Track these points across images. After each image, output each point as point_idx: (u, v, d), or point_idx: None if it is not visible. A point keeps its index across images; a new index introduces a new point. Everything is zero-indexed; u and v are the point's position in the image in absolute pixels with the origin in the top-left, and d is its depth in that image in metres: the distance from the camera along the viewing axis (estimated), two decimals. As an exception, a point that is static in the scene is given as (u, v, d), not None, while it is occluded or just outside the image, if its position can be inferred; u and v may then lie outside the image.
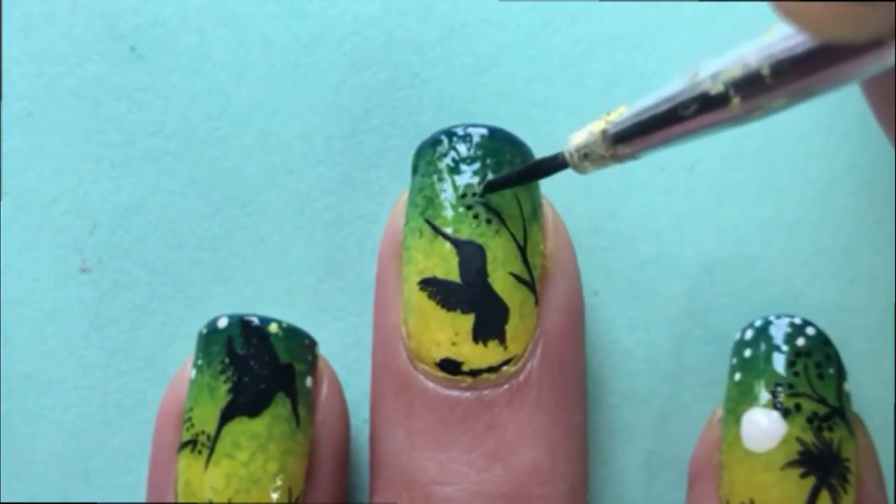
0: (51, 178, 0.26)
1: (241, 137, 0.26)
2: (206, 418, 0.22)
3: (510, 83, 0.25)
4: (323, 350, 0.23)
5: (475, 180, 0.22)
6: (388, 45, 0.26)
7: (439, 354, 0.22)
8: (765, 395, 0.22)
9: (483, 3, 0.26)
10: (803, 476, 0.21)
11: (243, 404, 0.22)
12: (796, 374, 0.22)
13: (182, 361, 0.23)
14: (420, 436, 0.22)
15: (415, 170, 0.23)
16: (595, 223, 0.25)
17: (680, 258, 0.25)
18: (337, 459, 0.23)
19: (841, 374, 0.22)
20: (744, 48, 0.17)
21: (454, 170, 0.22)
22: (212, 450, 0.21)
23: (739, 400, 0.22)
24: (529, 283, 0.22)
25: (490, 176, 0.22)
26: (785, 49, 0.16)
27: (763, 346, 0.22)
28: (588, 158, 0.20)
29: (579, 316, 0.23)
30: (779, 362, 0.22)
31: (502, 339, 0.22)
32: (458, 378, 0.22)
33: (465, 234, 0.22)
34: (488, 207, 0.22)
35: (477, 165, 0.22)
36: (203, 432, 0.21)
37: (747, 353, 0.22)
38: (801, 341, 0.22)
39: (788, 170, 0.25)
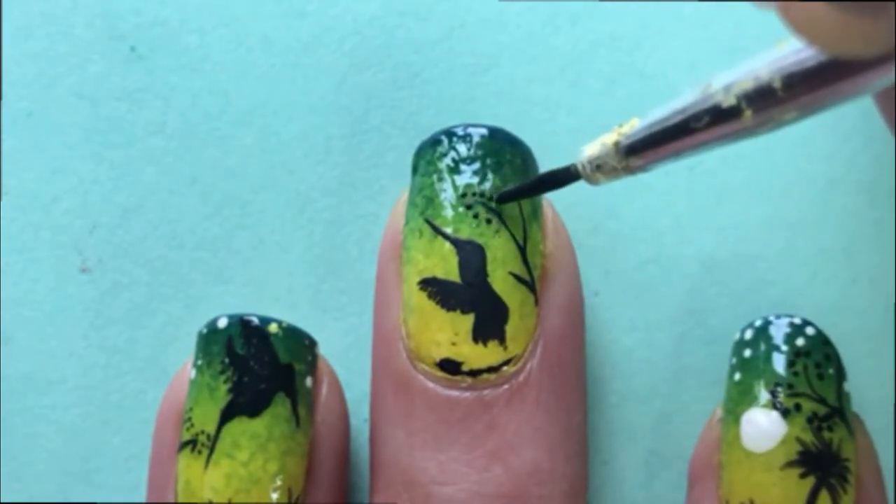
0: (51, 178, 0.26)
1: (241, 137, 0.26)
2: (206, 418, 0.22)
3: (510, 83, 0.25)
4: (323, 350, 0.23)
5: (475, 180, 0.22)
6: (388, 45, 0.26)
7: (439, 354, 0.22)
8: (764, 395, 0.22)
9: (483, 3, 0.26)
10: (803, 476, 0.21)
11: (243, 404, 0.22)
12: (796, 374, 0.22)
13: (182, 361, 0.23)
14: (420, 436, 0.22)
15: (415, 170, 0.23)
16: (595, 223, 0.25)
17: (680, 258, 0.25)
18: (337, 459, 0.23)
19: (841, 374, 0.22)
20: (755, 61, 0.17)
21: (454, 170, 0.22)
22: (212, 450, 0.21)
23: (739, 400, 0.22)
24: (529, 283, 0.22)
25: (490, 176, 0.22)
26: (796, 62, 0.16)
27: (763, 346, 0.22)
28: (600, 170, 0.20)
29: (579, 316, 0.23)
30: (778, 362, 0.22)
31: (502, 339, 0.22)
32: (458, 378, 0.22)
33: (465, 233, 0.22)
34: (488, 207, 0.22)
35: (477, 165, 0.22)
36: (203, 432, 0.21)
37: (747, 353, 0.22)
38: (800, 341, 0.22)
39: (788, 170, 0.25)
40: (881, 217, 0.25)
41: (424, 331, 0.22)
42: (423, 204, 0.22)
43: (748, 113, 0.17)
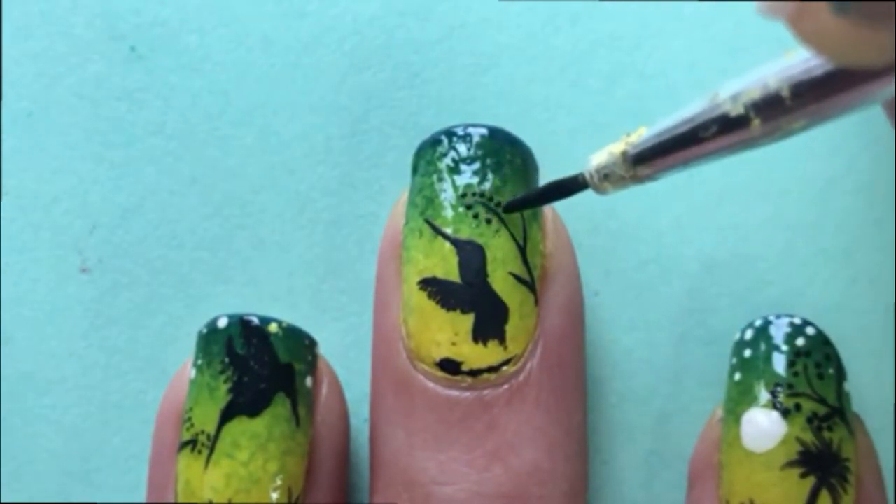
0: (51, 178, 0.26)
1: (241, 137, 0.26)
2: (206, 418, 0.22)
3: (510, 83, 0.25)
4: (323, 350, 0.23)
5: (475, 180, 0.22)
6: (388, 45, 0.26)
7: (439, 354, 0.22)
8: (764, 395, 0.22)
9: (483, 3, 0.26)
10: (803, 476, 0.21)
11: (243, 404, 0.22)
12: (796, 374, 0.22)
13: (182, 361, 0.23)
14: (420, 436, 0.22)
15: (415, 170, 0.23)
16: (595, 223, 0.25)
17: (680, 258, 0.25)
18: (337, 459, 0.23)
19: (841, 374, 0.22)
20: (763, 70, 0.17)
21: (454, 170, 0.22)
22: (212, 450, 0.21)
23: (739, 400, 0.22)
24: (529, 283, 0.22)
25: (490, 176, 0.22)
26: (804, 71, 0.16)
27: (763, 346, 0.22)
28: (608, 179, 0.20)
29: (579, 316, 0.23)
30: (778, 362, 0.22)
31: (502, 339, 0.22)
32: (458, 378, 0.22)
33: (465, 233, 0.22)
34: (488, 207, 0.22)
35: (477, 165, 0.22)
36: (203, 432, 0.21)
37: (747, 353, 0.22)
38: (800, 341, 0.22)
39: (788, 170, 0.25)
40: (881, 217, 0.25)
41: (424, 331, 0.22)
42: (423, 204, 0.22)
43: (756, 122, 0.17)
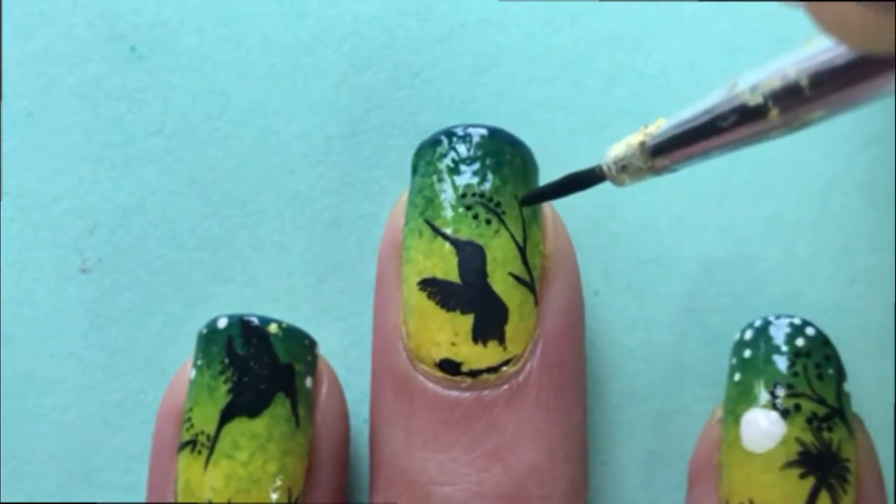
0: (51, 178, 0.26)
1: (241, 137, 0.26)
2: (206, 418, 0.22)
3: (510, 83, 0.25)
4: (323, 350, 0.23)
5: (475, 180, 0.22)
6: (388, 45, 0.26)
7: (439, 355, 0.22)
8: (764, 396, 0.22)
9: (483, 3, 0.26)
10: (803, 476, 0.21)
11: (243, 404, 0.22)
12: (796, 374, 0.22)
13: (182, 361, 0.23)
14: (420, 436, 0.22)
15: (414, 170, 0.23)
16: (595, 223, 0.25)
17: (680, 258, 0.25)
18: (337, 459, 0.23)
19: (840, 375, 0.22)
20: (782, 60, 0.17)
21: (454, 170, 0.22)
22: (211, 450, 0.21)
23: (739, 400, 0.22)
24: (529, 283, 0.22)
25: (490, 176, 0.22)
26: (824, 61, 0.16)
27: (763, 347, 0.22)
28: (626, 171, 0.20)
29: (579, 316, 0.23)
30: (778, 362, 0.22)
31: (502, 340, 0.22)
32: (458, 378, 0.22)
33: (465, 234, 0.22)
34: (488, 208, 0.22)
35: (477, 166, 0.22)
36: (203, 432, 0.21)
37: (747, 353, 0.22)
38: (800, 342, 0.22)
39: (788, 170, 0.25)
40: (881, 217, 0.25)
41: (424, 331, 0.22)
42: (423, 204, 0.22)
43: (775, 112, 0.17)
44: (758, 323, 0.23)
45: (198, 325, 0.23)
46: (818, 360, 0.22)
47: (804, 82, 0.17)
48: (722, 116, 0.18)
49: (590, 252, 0.25)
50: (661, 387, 0.25)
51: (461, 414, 0.22)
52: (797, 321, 0.22)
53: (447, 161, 0.22)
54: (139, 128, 0.26)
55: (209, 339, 0.22)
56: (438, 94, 0.26)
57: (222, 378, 0.22)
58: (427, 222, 0.22)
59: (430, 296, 0.22)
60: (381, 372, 0.23)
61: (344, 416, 0.23)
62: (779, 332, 0.22)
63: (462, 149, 0.22)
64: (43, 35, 0.26)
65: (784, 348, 0.22)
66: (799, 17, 0.16)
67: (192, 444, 0.22)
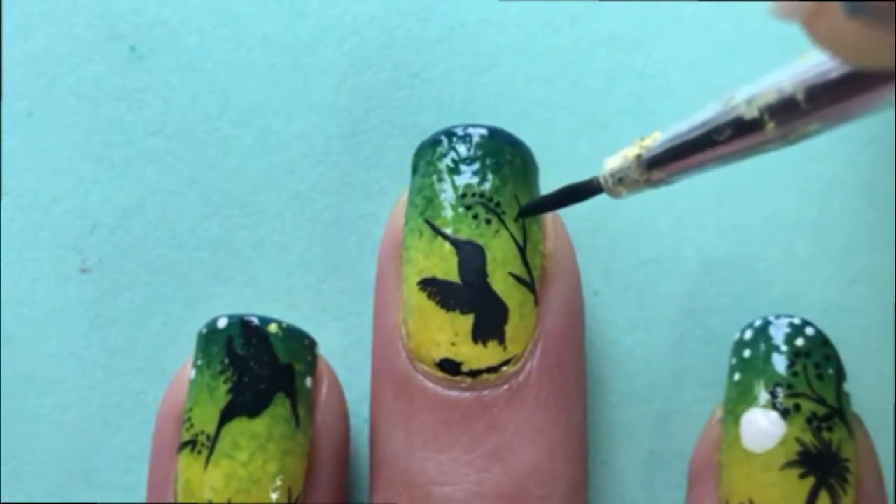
0: (51, 178, 0.26)
1: (241, 137, 0.26)
2: (206, 418, 0.22)
3: (510, 83, 0.25)
4: (323, 350, 0.23)
5: (475, 180, 0.22)
6: (388, 45, 0.26)
7: (439, 355, 0.22)
8: (764, 396, 0.22)
9: (483, 3, 0.26)
10: (802, 476, 0.21)
11: (243, 404, 0.22)
12: (795, 374, 0.22)
13: (182, 361, 0.23)
14: (419, 436, 0.22)
15: (414, 170, 0.23)
16: (595, 223, 0.25)
17: (680, 258, 0.25)
18: (336, 459, 0.23)
19: (840, 375, 0.22)
20: (778, 74, 0.17)
21: (454, 170, 0.22)
22: (211, 450, 0.21)
23: (739, 400, 0.22)
24: (529, 283, 0.22)
25: (490, 176, 0.22)
26: (819, 74, 0.16)
27: (762, 347, 0.22)
28: (622, 183, 0.20)
29: (579, 316, 0.23)
30: (778, 362, 0.22)
31: (502, 340, 0.22)
32: (458, 378, 0.22)
33: (465, 234, 0.22)
34: (488, 208, 0.22)
35: (477, 166, 0.22)
36: (203, 432, 0.21)
37: (747, 353, 0.22)
38: (800, 342, 0.22)
39: (788, 170, 0.25)
40: (881, 217, 0.25)
41: (424, 331, 0.22)
42: (423, 204, 0.22)
43: (771, 125, 0.17)
44: (758, 323, 0.23)
45: (198, 325, 0.23)
46: (818, 359, 0.22)
47: (800, 96, 0.17)
48: (718, 130, 0.18)
49: (590, 252, 0.25)
50: (661, 387, 0.25)
51: (461, 414, 0.22)
52: (797, 321, 0.22)
53: (447, 161, 0.22)
54: (139, 128, 0.26)
55: (209, 339, 0.22)
56: (438, 94, 0.26)
57: (222, 378, 0.22)
58: (427, 222, 0.22)
59: (430, 296, 0.22)
60: (381, 372, 0.23)
61: (344, 416, 0.23)
62: (778, 332, 0.22)
63: (462, 149, 0.22)
64: (43, 35, 0.26)
65: (784, 348, 0.22)
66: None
67: (192, 444, 0.22)
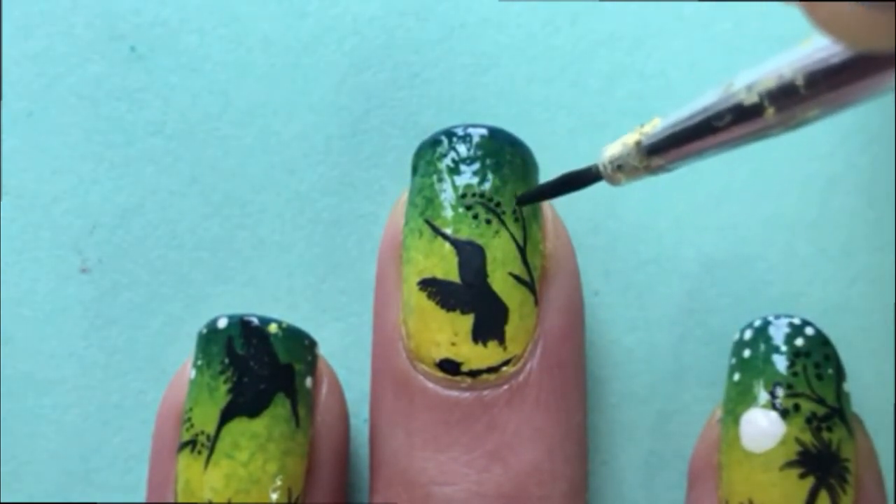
0: (51, 178, 0.26)
1: (241, 137, 0.26)
2: (206, 418, 0.22)
3: (510, 83, 0.25)
4: (323, 350, 0.23)
5: (475, 180, 0.22)
6: (388, 45, 0.26)
7: (439, 355, 0.22)
8: (764, 396, 0.22)
9: (483, 3, 0.26)
10: (802, 476, 0.21)
11: (243, 404, 0.22)
12: (795, 374, 0.22)
13: (182, 361, 0.23)
14: (419, 436, 0.22)
15: (414, 170, 0.23)
16: (595, 223, 0.25)
17: (680, 258, 0.25)
18: (336, 459, 0.23)
19: (840, 375, 0.22)
20: (778, 59, 0.17)
21: (454, 170, 0.22)
22: (211, 450, 0.21)
23: (738, 400, 0.22)
24: (529, 283, 0.22)
25: (490, 176, 0.22)
26: (819, 60, 0.16)
27: (762, 347, 0.22)
28: (622, 170, 0.20)
29: (579, 316, 0.23)
30: (778, 362, 0.22)
31: (502, 340, 0.22)
32: (458, 378, 0.22)
33: (465, 234, 0.22)
34: (488, 208, 0.22)
35: (477, 166, 0.22)
36: (203, 432, 0.21)
37: (746, 353, 0.22)
38: (800, 341, 0.22)
39: (788, 170, 0.25)
40: (881, 217, 0.25)
41: (424, 331, 0.22)
42: (423, 204, 0.22)
43: (771, 111, 0.17)
44: (757, 323, 0.23)
45: (198, 325, 0.23)
46: (817, 359, 0.22)
47: (800, 81, 0.17)
48: (718, 116, 0.18)
49: (590, 252, 0.25)
50: (661, 387, 0.25)
51: (461, 414, 0.22)
52: (797, 321, 0.22)
53: (447, 161, 0.22)
54: (139, 128, 0.26)
55: (209, 339, 0.22)
56: (438, 94, 0.26)
57: (222, 378, 0.22)
58: (427, 222, 0.22)
59: (430, 296, 0.22)
60: (381, 372, 0.23)
61: (344, 416, 0.23)
62: (778, 332, 0.22)
63: (462, 149, 0.22)
64: (43, 35, 0.26)
65: (783, 348, 0.22)
66: (798, 17, 0.16)
67: (192, 444, 0.22)
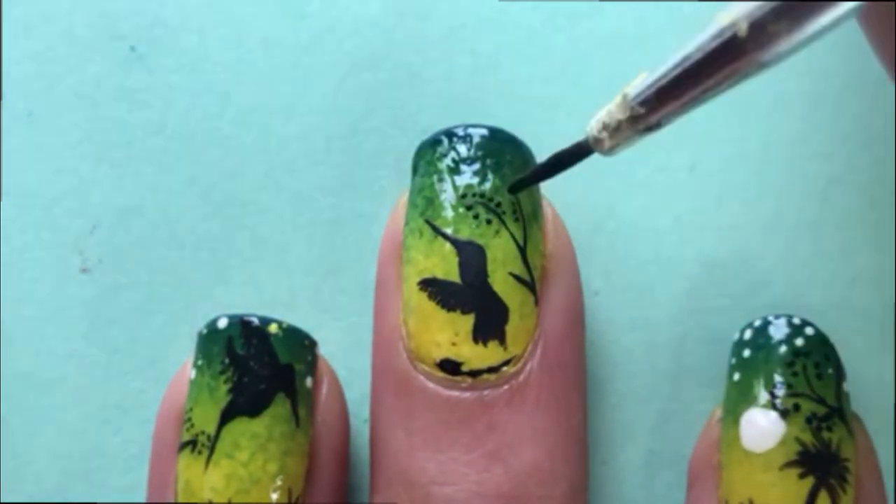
0: (51, 178, 0.26)
1: (241, 137, 0.26)
2: (206, 418, 0.22)
3: (510, 83, 0.25)
4: (323, 350, 0.23)
5: (475, 180, 0.22)
6: (388, 45, 0.26)
7: (439, 355, 0.22)
8: (764, 396, 0.22)
9: (483, 3, 0.26)
10: (802, 476, 0.21)
11: (243, 404, 0.22)
12: (795, 374, 0.22)
13: (182, 361, 0.23)
14: (420, 436, 0.22)
15: (415, 170, 0.23)
16: (595, 223, 0.25)
17: (680, 258, 0.25)
18: (337, 459, 0.23)
19: (840, 374, 0.22)
20: None
21: (454, 170, 0.22)
22: (212, 450, 0.21)
23: (738, 400, 0.22)
24: (529, 283, 0.22)
25: (490, 176, 0.22)
26: None
27: (762, 347, 0.22)
28: (609, 131, 0.19)
29: (579, 316, 0.23)
30: (778, 362, 0.22)
31: (502, 340, 0.22)
32: (458, 378, 0.22)
33: (465, 234, 0.22)
34: (488, 208, 0.22)
35: (477, 166, 0.22)
36: (203, 432, 0.21)
37: (746, 353, 0.22)
38: (799, 341, 0.22)
39: (788, 170, 0.25)
40: (881, 217, 0.25)
41: (424, 331, 0.22)
42: (424, 204, 0.22)
43: (744, 26, 0.17)
44: (757, 323, 0.23)
45: (198, 325, 0.23)
46: (817, 359, 0.22)
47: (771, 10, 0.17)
48: (696, 49, 0.18)
49: (590, 252, 0.25)
50: (661, 387, 0.25)
51: (461, 414, 0.22)
52: (796, 321, 0.22)
53: (447, 161, 0.22)
54: (139, 128, 0.26)
55: (209, 339, 0.22)
56: (438, 94, 0.26)
57: (222, 378, 0.22)
58: (427, 222, 0.22)
59: (430, 296, 0.22)
60: (381, 372, 0.23)
61: (344, 416, 0.23)
62: (778, 332, 0.22)
63: (462, 149, 0.22)
64: (43, 35, 0.26)
65: (783, 348, 0.22)
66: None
67: (192, 444, 0.22)
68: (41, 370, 0.25)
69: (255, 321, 0.22)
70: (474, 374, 0.22)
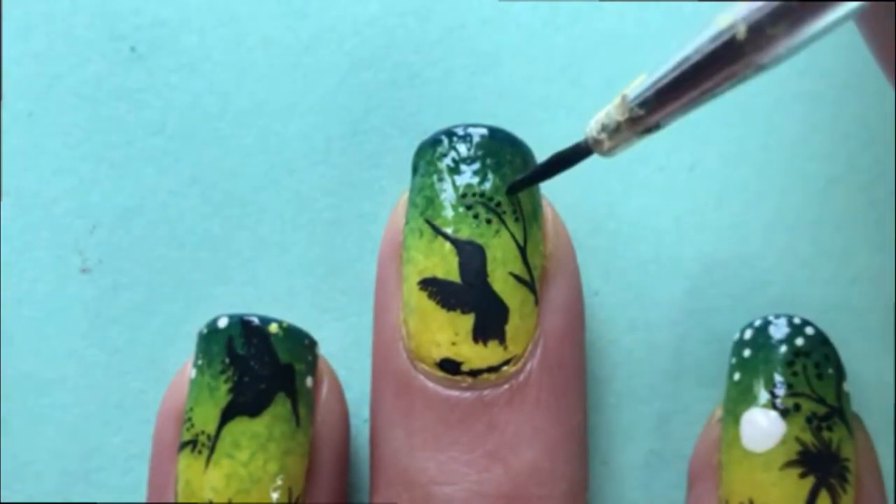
0: (51, 178, 0.26)
1: (241, 137, 0.26)
2: (207, 418, 0.22)
3: (510, 83, 0.25)
4: (323, 350, 0.23)
5: (475, 180, 0.22)
6: (388, 45, 0.26)
7: (439, 354, 0.22)
8: (764, 395, 0.22)
9: (483, 3, 0.26)
10: (802, 476, 0.21)
11: (243, 404, 0.22)
12: (795, 373, 0.22)
13: (182, 361, 0.23)
14: (420, 436, 0.22)
15: (415, 170, 0.23)
16: (595, 223, 0.25)
17: (680, 258, 0.25)
18: (337, 459, 0.23)
19: (840, 374, 0.22)
20: None
21: (454, 170, 0.22)
22: (212, 450, 0.21)
23: (738, 400, 0.22)
24: (529, 283, 0.22)
25: (490, 176, 0.22)
26: None
27: (762, 346, 0.22)
28: (608, 131, 0.19)
29: (579, 316, 0.23)
30: (778, 362, 0.22)
31: (502, 340, 0.22)
32: (458, 378, 0.22)
33: (465, 234, 0.22)
34: (488, 207, 0.22)
35: (477, 165, 0.22)
36: (203, 432, 0.21)
37: (746, 352, 0.22)
38: (800, 341, 0.22)
39: (788, 170, 0.25)
40: (881, 217, 0.25)
41: (424, 331, 0.22)
42: (424, 204, 0.22)
43: (748, 47, 0.17)
44: (757, 323, 0.23)
45: (198, 325, 0.23)
46: (818, 359, 0.22)
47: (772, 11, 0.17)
48: (693, 54, 0.18)
49: (590, 252, 0.25)
50: (661, 387, 0.25)
51: (461, 414, 0.22)
52: (797, 321, 0.22)
53: (447, 161, 0.22)
54: (139, 128, 0.26)
55: (209, 338, 0.22)
56: (438, 94, 0.26)
57: (223, 378, 0.22)
58: (427, 222, 0.22)
59: (430, 295, 0.22)
60: (381, 372, 0.23)
61: (344, 416, 0.23)
62: (778, 332, 0.22)
63: (462, 148, 0.22)
64: (43, 35, 0.26)
65: (783, 348, 0.22)
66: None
67: (192, 443, 0.22)
68: (41, 370, 0.25)
69: (256, 321, 0.22)
70: (474, 373, 0.22)
